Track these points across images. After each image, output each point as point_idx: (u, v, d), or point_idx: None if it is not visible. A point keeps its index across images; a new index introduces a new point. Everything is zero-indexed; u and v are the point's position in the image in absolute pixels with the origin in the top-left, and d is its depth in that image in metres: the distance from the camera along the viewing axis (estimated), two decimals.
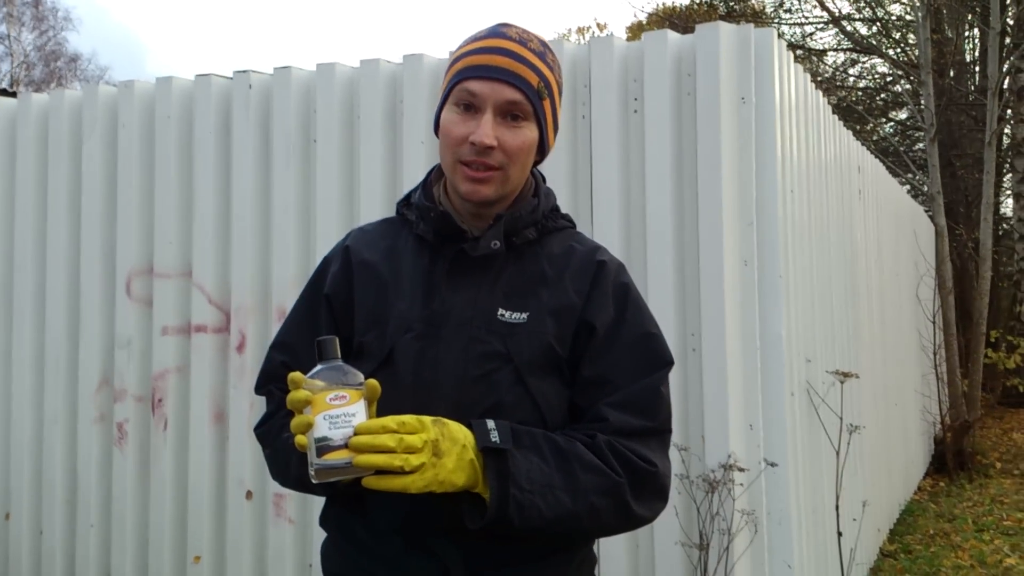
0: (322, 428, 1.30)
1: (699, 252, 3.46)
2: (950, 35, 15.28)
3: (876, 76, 17.88)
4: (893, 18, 16.04)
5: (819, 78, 16.54)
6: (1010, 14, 12.37)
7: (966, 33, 15.93)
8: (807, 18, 17.14)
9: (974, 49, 16.20)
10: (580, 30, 26.32)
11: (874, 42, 15.72)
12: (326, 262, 1.68)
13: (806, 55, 16.79)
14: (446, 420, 1.38)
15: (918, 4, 10.10)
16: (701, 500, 3.33)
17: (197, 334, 4.11)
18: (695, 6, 17.55)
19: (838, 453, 4.32)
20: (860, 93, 17.54)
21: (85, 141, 4.39)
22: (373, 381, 1.37)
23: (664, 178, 3.51)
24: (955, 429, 9.01)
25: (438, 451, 1.33)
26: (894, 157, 14.16)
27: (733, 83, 3.49)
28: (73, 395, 4.37)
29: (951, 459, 8.85)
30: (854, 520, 4.85)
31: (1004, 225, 15.14)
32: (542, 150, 1.60)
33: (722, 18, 15.80)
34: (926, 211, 10.19)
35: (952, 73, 15.16)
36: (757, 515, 3.36)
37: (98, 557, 4.27)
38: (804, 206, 4.12)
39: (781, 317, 3.47)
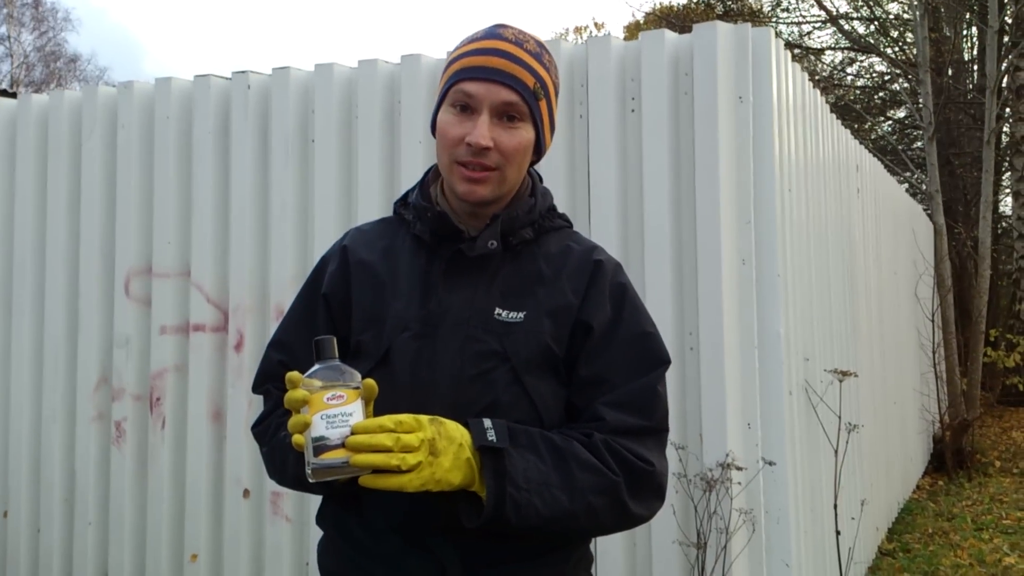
0: (319, 427, 1.30)
1: (697, 251, 3.46)
2: (948, 33, 15.28)
3: (874, 75, 17.89)
4: (891, 17, 16.05)
5: (817, 77, 16.55)
6: (1008, 12, 12.38)
7: (964, 31, 15.94)
8: (805, 17, 17.18)
9: (972, 47, 16.21)
10: (578, 30, 26.28)
11: (872, 41, 15.73)
12: (324, 261, 1.68)
13: (804, 54, 16.79)
14: (443, 419, 1.38)
15: (916, 3, 10.11)
16: (699, 499, 3.33)
17: (195, 333, 4.11)
18: (692, 5, 17.54)
19: (836, 452, 4.33)
20: (858, 92, 17.56)
21: (85, 141, 4.40)
22: (370, 380, 1.37)
23: (662, 177, 3.52)
24: (954, 428, 9.01)
25: (435, 450, 1.33)
26: (892, 156, 14.18)
27: (731, 82, 3.50)
28: (72, 394, 4.37)
29: (950, 458, 8.86)
30: (852, 519, 4.85)
31: (1003, 223, 15.15)
32: (539, 150, 1.60)
33: (719, 17, 15.80)
34: (925, 210, 10.20)
35: (950, 71, 15.17)
36: (755, 514, 3.36)
37: (96, 555, 4.28)
38: (802, 205, 4.13)
39: (779, 316, 3.47)
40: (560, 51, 3.65)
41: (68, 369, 4.38)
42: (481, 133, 1.48)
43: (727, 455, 3.33)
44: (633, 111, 3.60)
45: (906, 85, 14.72)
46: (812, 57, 17.22)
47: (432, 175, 1.66)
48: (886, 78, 17.36)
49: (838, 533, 4.35)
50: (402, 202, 1.68)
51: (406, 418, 1.33)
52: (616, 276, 1.60)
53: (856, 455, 5.01)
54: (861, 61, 17.71)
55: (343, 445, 1.30)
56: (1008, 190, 14.92)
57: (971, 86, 15.07)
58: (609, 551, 3.42)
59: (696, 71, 3.50)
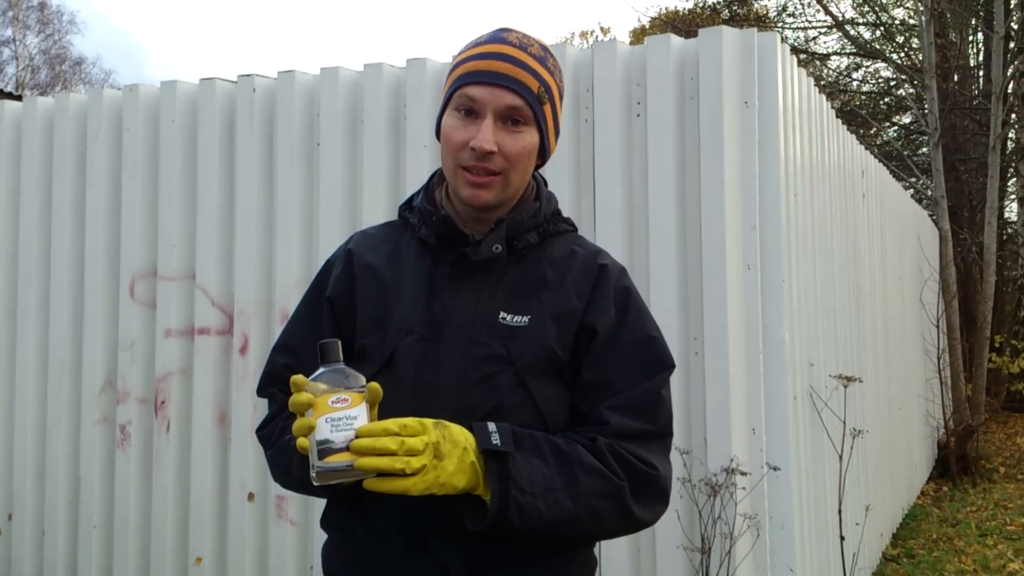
0: (324, 431, 1.30)
1: (702, 256, 3.46)
2: (954, 39, 15.26)
3: (880, 80, 17.86)
4: (897, 22, 16.03)
5: (822, 82, 16.54)
6: (1014, 18, 12.35)
7: (970, 37, 15.91)
8: (810, 22, 17.14)
9: (978, 53, 16.17)
10: (583, 34, 26.35)
11: (878, 46, 15.72)
12: (329, 265, 1.69)
13: (809, 59, 16.77)
14: (447, 423, 1.38)
15: (922, 8, 10.11)
16: (703, 504, 3.33)
17: (200, 336, 4.12)
18: (698, 10, 17.55)
19: (841, 457, 4.32)
20: (864, 97, 17.53)
21: (90, 144, 4.41)
22: (375, 384, 1.37)
23: (667, 182, 3.51)
24: (959, 433, 8.99)
25: (439, 453, 1.33)
26: (898, 161, 14.16)
27: (736, 87, 3.50)
28: (76, 397, 4.38)
29: (955, 463, 8.84)
30: (857, 524, 4.84)
31: (1008, 229, 15.13)
32: (543, 154, 1.60)
33: (725, 22, 15.80)
34: (930, 215, 10.18)
35: (956, 77, 15.14)
36: (759, 519, 3.36)
37: (100, 558, 4.28)
38: (807, 210, 4.12)
39: (784, 321, 3.47)
40: (565, 55, 3.66)
41: (73, 372, 4.39)
42: (485, 137, 1.49)
43: (731, 460, 3.33)
44: (638, 116, 3.60)
45: (912, 91, 14.69)
46: (818, 62, 17.20)
47: (437, 179, 1.66)
48: (892, 84, 17.33)
49: (842, 539, 4.34)
50: (407, 206, 1.68)
51: (410, 422, 1.33)
52: (620, 280, 1.60)
53: (860, 460, 5.00)
54: (867, 66, 17.68)
55: (347, 448, 1.30)
56: (1013, 196, 14.92)
57: (977, 92, 15.05)
58: (613, 555, 3.42)
59: (702, 76, 3.50)
